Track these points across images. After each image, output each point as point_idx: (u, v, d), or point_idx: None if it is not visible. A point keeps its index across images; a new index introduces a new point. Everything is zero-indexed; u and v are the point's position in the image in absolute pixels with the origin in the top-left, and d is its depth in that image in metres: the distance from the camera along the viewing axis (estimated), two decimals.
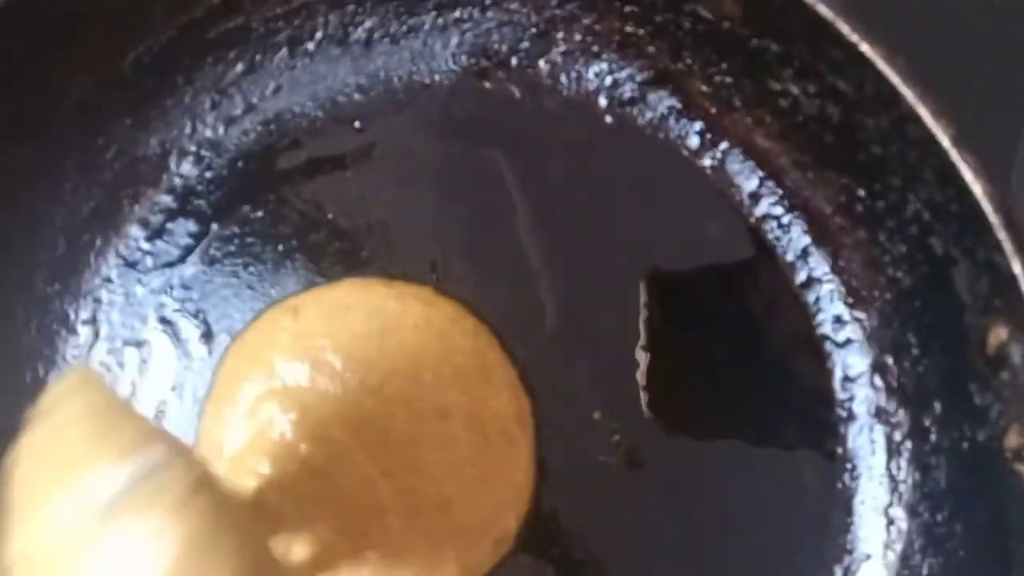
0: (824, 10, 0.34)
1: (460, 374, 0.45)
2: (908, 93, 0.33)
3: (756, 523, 0.43)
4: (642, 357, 0.44)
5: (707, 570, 0.44)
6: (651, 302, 0.44)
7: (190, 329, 0.47)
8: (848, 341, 0.43)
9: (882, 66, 0.33)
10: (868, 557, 0.42)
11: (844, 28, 0.34)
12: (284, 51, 0.47)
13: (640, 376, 0.44)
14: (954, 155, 0.32)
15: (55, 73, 0.45)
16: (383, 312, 0.46)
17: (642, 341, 0.44)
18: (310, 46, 0.47)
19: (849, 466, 0.43)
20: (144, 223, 0.48)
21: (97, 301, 0.48)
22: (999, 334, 0.34)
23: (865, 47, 0.33)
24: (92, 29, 0.44)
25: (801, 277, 0.44)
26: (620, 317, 0.44)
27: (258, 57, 0.47)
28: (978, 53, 0.45)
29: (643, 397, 0.43)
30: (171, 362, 0.47)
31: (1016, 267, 0.32)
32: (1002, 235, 0.32)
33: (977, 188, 0.32)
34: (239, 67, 0.47)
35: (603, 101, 0.46)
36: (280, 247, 0.47)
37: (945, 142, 0.32)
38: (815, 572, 0.43)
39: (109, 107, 0.46)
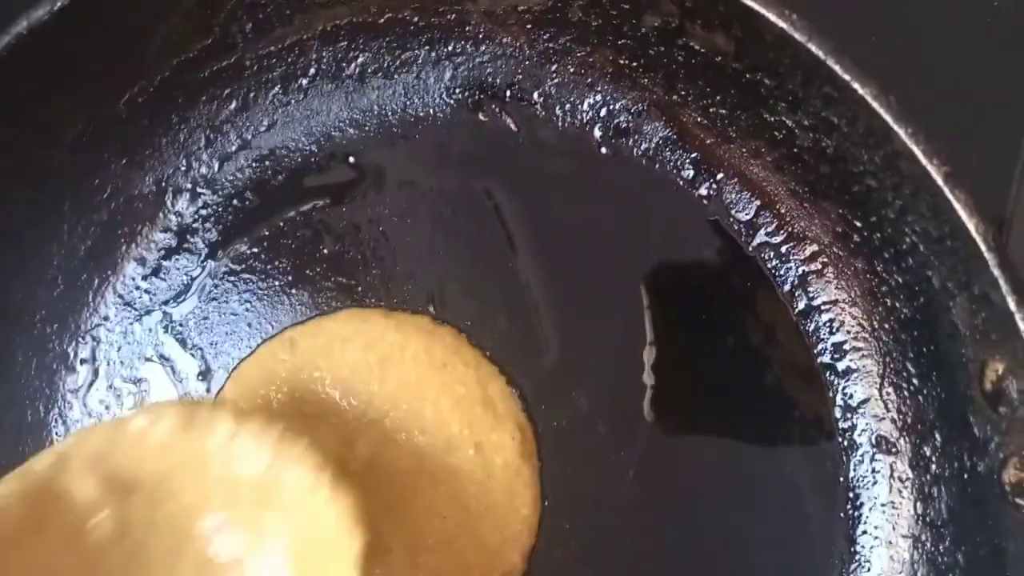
0: (816, 49, 0.34)
1: (462, 406, 0.44)
2: (900, 131, 0.33)
3: (759, 553, 0.43)
4: (642, 387, 0.44)
5: None
6: (649, 333, 0.44)
7: (188, 366, 0.47)
8: (848, 370, 0.43)
9: (874, 104, 0.33)
10: None
11: (836, 67, 0.34)
12: (278, 88, 0.47)
13: (645, 405, 0.44)
14: (947, 192, 0.32)
15: (51, 114, 0.45)
16: (382, 343, 0.46)
17: (642, 372, 0.44)
18: (303, 82, 0.47)
19: (851, 495, 0.43)
20: (141, 261, 0.48)
21: (96, 340, 0.48)
22: (996, 368, 0.34)
23: (856, 85, 0.33)
24: (87, 70, 0.44)
25: (800, 306, 0.44)
26: (619, 347, 0.44)
27: (252, 94, 0.47)
28: (973, 88, 0.44)
29: (645, 426, 0.43)
30: (171, 399, 0.47)
31: (1011, 304, 0.32)
32: (997, 272, 0.32)
33: (971, 225, 0.32)
34: (233, 104, 0.47)
35: (598, 132, 0.46)
36: (277, 282, 0.47)
37: (938, 179, 0.32)
38: None
39: (104, 147, 0.46)
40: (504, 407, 0.45)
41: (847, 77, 0.34)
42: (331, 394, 0.45)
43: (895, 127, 0.33)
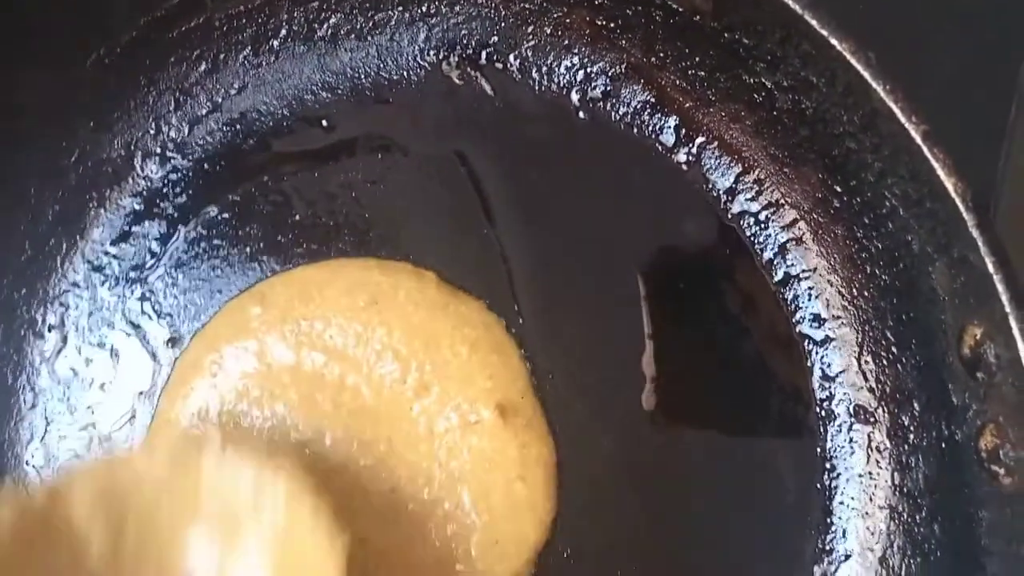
0: (793, 4, 0.33)
1: (480, 352, 0.42)
2: (878, 88, 0.32)
3: (735, 524, 0.42)
4: (615, 355, 0.43)
5: (686, 571, 0.43)
6: (627, 300, 0.43)
7: (158, 332, 0.46)
8: (827, 339, 0.43)
9: (852, 60, 0.32)
10: (847, 557, 0.42)
11: (813, 22, 0.33)
12: (248, 49, 0.46)
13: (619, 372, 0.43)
14: (926, 151, 0.32)
15: (16, 76, 0.44)
16: (367, 284, 0.43)
17: (614, 339, 0.43)
18: (274, 43, 0.46)
19: (828, 466, 0.42)
20: (110, 226, 0.47)
21: (64, 306, 0.47)
22: (974, 333, 0.34)
23: (834, 41, 0.32)
24: (52, 30, 0.43)
25: (778, 275, 0.43)
26: (591, 312, 0.44)
27: (222, 56, 0.46)
28: (959, 48, 0.43)
29: (621, 394, 0.43)
30: (141, 366, 0.46)
31: (990, 266, 0.31)
32: (975, 233, 0.31)
33: (949, 185, 0.31)
34: (202, 66, 0.46)
35: (575, 97, 0.45)
36: (248, 248, 0.46)
37: (917, 138, 0.32)
38: (795, 572, 0.42)
39: (71, 109, 0.45)
40: (516, 356, 0.43)
41: (824, 32, 0.33)
42: (332, 342, 0.43)
43: (873, 84, 0.32)
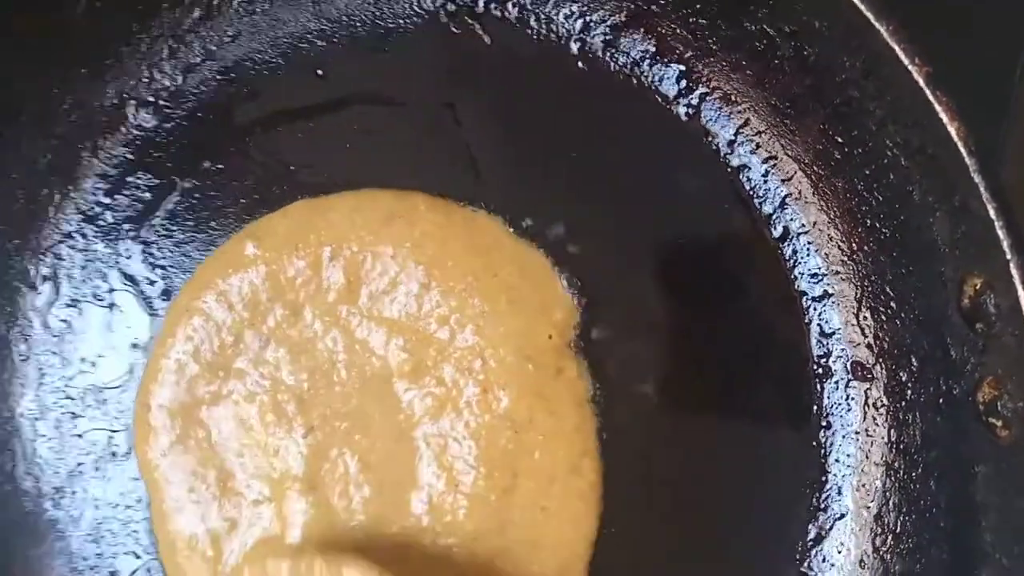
0: None
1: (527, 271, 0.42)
2: (881, 29, 0.31)
3: (729, 480, 0.42)
4: (614, 310, 0.43)
5: (680, 528, 0.43)
6: (621, 256, 0.43)
7: (153, 285, 0.46)
8: (825, 295, 0.42)
9: (855, 0, 0.31)
10: (842, 516, 0.41)
11: None
12: None
13: (615, 327, 0.43)
14: (929, 94, 0.31)
15: (6, 22, 0.43)
16: (376, 201, 0.43)
17: (614, 295, 0.43)
18: None
19: (824, 424, 0.42)
20: (103, 176, 0.46)
21: (57, 257, 0.47)
22: (974, 283, 0.33)
23: None
24: None
25: (778, 230, 0.43)
26: (588, 267, 0.43)
27: (215, 2, 0.45)
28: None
29: (617, 350, 0.42)
30: (136, 318, 0.46)
31: (991, 211, 0.30)
32: (977, 179, 0.30)
33: (952, 129, 0.30)
34: (196, 12, 0.46)
35: (575, 46, 0.44)
36: (243, 201, 0.45)
37: (919, 80, 0.31)
38: (790, 530, 0.42)
39: (62, 56, 0.45)
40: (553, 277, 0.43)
41: None
42: (357, 259, 0.42)
43: (876, 25, 0.31)
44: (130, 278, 0.46)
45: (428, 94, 0.45)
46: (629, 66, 0.44)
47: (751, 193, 0.43)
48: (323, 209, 0.44)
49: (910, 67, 0.31)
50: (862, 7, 0.31)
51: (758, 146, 0.42)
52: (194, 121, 0.46)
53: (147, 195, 0.46)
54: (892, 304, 0.40)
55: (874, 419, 0.41)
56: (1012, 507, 0.33)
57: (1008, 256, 0.30)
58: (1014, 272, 0.30)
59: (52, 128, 0.46)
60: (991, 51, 0.41)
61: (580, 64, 0.44)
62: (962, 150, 0.31)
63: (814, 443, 0.42)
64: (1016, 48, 0.41)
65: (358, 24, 0.46)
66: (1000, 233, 0.30)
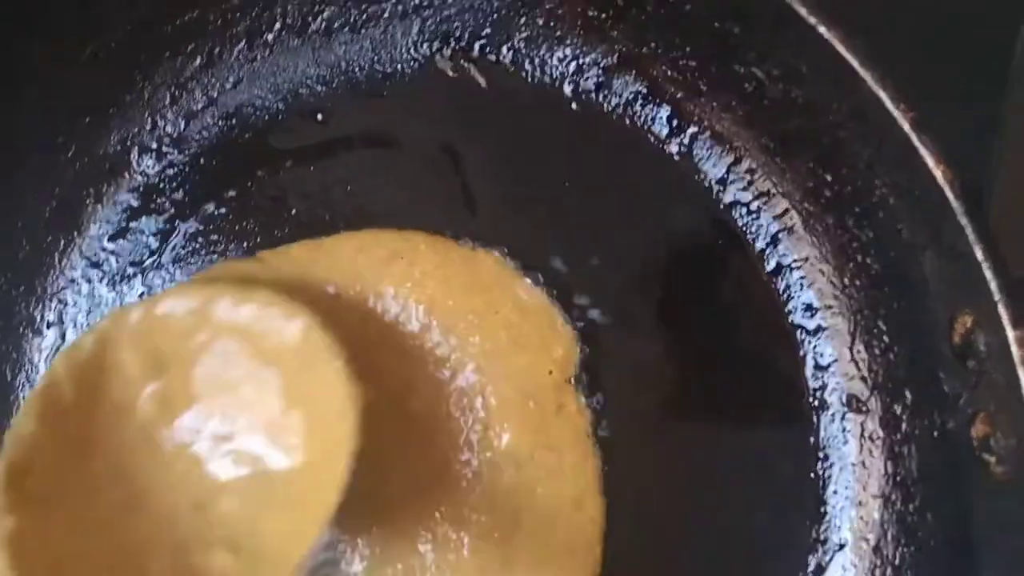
0: None
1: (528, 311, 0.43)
2: (867, 76, 0.32)
3: (728, 513, 0.43)
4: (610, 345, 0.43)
5: (681, 561, 0.43)
6: (619, 292, 0.44)
7: None
8: (819, 329, 0.43)
9: (840, 48, 0.32)
10: (841, 547, 0.42)
11: (802, 11, 0.33)
12: (243, 43, 0.47)
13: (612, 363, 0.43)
14: (913, 139, 0.32)
15: (10, 70, 0.44)
16: (380, 240, 0.44)
17: (608, 329, 0.43)
18: (269, 37, 0.47)
19: (821, 456, 0.42)
20: (107, 222, 0.47)
21: (62, 302, 0.47)
22: (964, 322, 0.34)
23: (823, 29, 0.32)
24: (46, 26, 0.44)
25: (771, 265, 0.43)
26: (586, 304, 0.44)
27: (216, 50, 0.47)
28: (951, 35, 0.43)
29: (611, 385, 0.43)
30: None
31: (978, 253, 0.31)
32: (963, 221, 0.31)
33: (937, 173, 0.31)
34: (198, 61, 0.47)
35: (568, 88, 0.45)
36: (245, 244, 0.46)
37: (904, 125, 0.32)
38: (788, 562, 0.42)
39: (67, 105, 0.46)
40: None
41: (813, 21, 0.33)
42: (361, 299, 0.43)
43: (861, 72, 0.32)
44: None
45: (426, 136, 0.46)
46: (621, 107, 0.45)
47: (743, 229, 0.44)
48: (326, 249, 0.44)
49: (895, 112, 0.32)
50: (848, 55, 0.32)
51: (749, 183, 0.43)
52: (197, 166, 0.47)
53: (151, 240, 0.47)
54: (885, 338, 0.40)
55: (870, 451, 0.41)
56: (1009, 543, 0.34)
57: (996, 297, 0.31)
58: (1002, 312, 0.30)
59: (57, 176, 0.47)
60: (977, 92, 0.42)
61: (574, 105, 0.45)
62: (948, 193, 0.31)
63: (812, 475, 0.42)
64: (1001, 88, 0.42)
65: (356, 70, 0.47)
66: (987, 274, 0.31)
